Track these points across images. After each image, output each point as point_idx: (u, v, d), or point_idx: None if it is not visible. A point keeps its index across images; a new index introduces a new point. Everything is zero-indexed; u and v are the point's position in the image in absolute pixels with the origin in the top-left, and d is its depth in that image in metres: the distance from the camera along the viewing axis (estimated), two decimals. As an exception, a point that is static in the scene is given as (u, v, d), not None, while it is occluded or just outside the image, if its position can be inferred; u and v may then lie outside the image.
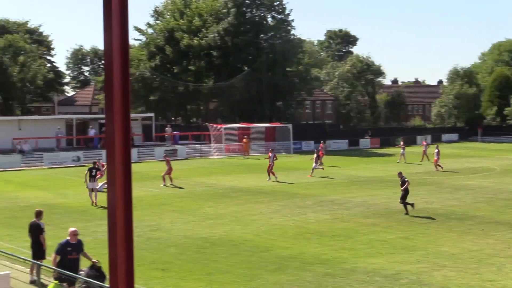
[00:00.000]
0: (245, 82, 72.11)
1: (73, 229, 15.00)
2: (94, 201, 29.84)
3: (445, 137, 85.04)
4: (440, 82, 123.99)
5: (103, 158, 39.49)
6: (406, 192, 27.77)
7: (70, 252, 14.49)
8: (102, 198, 30.11)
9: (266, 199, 31.72)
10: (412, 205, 27.43)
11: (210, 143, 63.41)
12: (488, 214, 27.07)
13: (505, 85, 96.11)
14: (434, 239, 21.95)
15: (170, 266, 18.34)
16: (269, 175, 40.29)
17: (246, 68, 75.22)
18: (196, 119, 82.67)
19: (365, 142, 75.02)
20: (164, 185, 37.12)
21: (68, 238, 14.71)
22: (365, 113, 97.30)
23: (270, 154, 41.30)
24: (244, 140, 61.52)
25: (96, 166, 31.60)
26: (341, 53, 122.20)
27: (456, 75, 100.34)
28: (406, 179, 28.26)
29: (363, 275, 17.22)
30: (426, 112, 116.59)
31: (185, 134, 66.46)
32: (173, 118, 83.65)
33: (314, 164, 42.93)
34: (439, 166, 45.70)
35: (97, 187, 31.14)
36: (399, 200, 27.82)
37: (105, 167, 33.53)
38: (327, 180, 40.21)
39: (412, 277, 17.03)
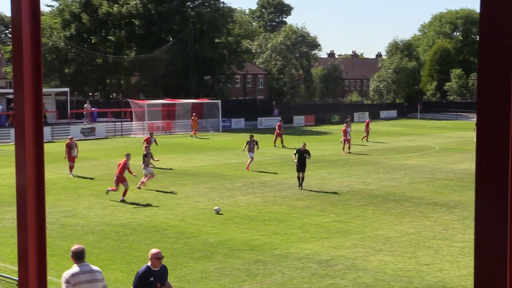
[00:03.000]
0: (170, 54, 71.59)
1: (155, 250, 11.59)
2: None
3: (383, 114, 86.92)
4: (378, 55, 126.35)
5: (12, 137, 38.40)
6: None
7: (153, 284, 11.28)
8: (10, 182, 29.53)
9: (192, 181, 31.80)
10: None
11: (131, 121, 62.85)
12: (426, 195, 27.97)
13: (446, 59, 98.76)
14: (370, 222, 22.55)
15: (87, 255, 18.11)
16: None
17: (171, 39, 74.65)
18: (116, 95, 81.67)
19: (299, 119, 75.85)
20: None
21: (149, 263, 11.37)
22: (299, 88, 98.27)
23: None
24: (193, 118, 60.77)
25: None
26: (274, 24, 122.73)
27: (396, 48, 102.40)
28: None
29: (295, 261, 17.57)
30: (364, 87, 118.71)
31: (104, 111, 65.58)
32: (90, 94, 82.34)
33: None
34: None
35: None
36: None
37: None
38: (258, 160, 40.57)
39: (347, 263, 17.49)
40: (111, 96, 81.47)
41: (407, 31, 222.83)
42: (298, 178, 29.82)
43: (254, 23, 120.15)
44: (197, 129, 59.56)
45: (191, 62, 71.58)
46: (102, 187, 30.02)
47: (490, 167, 2.25)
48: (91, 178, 32.93)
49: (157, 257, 11.34)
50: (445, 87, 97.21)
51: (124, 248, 18.95)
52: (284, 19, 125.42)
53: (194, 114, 61.97)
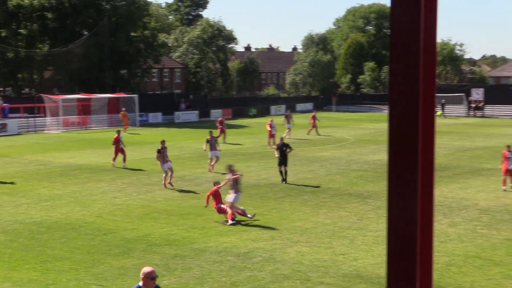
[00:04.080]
0: (84, 48, 70.27)
1: (148, 269, 10.15)
2: None
3: (299, 106, 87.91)
4: (294, 49, 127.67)
5: None
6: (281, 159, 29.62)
7: None
8: None
9: (109, 177, 31.33)
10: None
11: (45, 116, 61.36)
12: (341, 186, 28.46)
13: (360, 52, 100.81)
14: (287, 214, 22.76)
15: None
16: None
17: (86, 32, 73.26)
18: (29, 90, 79.53)
19: (216, 113, 75.84)
20: None
21: (140, 283, 10.06)
22: (216, 81, 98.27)
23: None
24: (122, 113, 59.39)
25: None
26: (190, 17, 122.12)
27: (311, 42, 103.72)
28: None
29: (214, 255, 17.57)
30: (280, 80, 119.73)
31: (16, 106, 63.70)
32: (1, 89, 79.94)
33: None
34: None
35: None
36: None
37: None
38: (177, 154, 40.32)
39: (265, 255, 17.60)
40: (23, 91, 79.28)
41: (322, 25, 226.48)
42: (281, 172, 29.69)
43: (170, 17, 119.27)
44: (125, 124, 58.19)
45: (107, 56, 70.44)
46: (14, 185, 29.20)
47: (401, 158, 2.28)
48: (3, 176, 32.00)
49: (151, 277, 9.98)
50: (359, 80, 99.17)
51: (39, 247, 18.48)
52: (201, 13, 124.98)
53: (124, 109, 60.73)
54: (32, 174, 32.68)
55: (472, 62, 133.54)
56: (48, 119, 60.64)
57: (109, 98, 66.23)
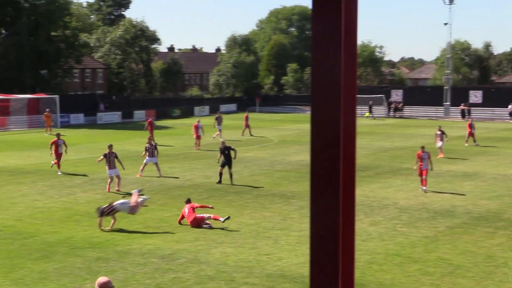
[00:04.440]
0: (2, 47, 68.43)
1: (104, 279, 9.53)
2: None
3: (223, 107, 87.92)
4: (218, 50, 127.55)
5: None
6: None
7: None
8: None
9: (29, 179, 30.59)
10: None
11: (-39, 117, 59.44)
12: (265, 187, 28.63)
13: (282, 54, 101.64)
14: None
15: None
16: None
17: (3, 31, 71.35)
18: None
19: (140, 114, 75.02)
20: None
21: None
22: (139, 82, 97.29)
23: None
24: (46, 113, 57.80)
25: None
26: (112, 17, 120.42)
27: (234, 43, 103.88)
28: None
29: (138, 257, 17.39)
30: (204, 81, 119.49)
31: None
32: None
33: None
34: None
35: None
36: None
37: None
38: (98, 156, 39.69)
39: (189, 256, 17.54)
40: None
41: (246, 27, 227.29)
42: (220, 174, 29.34)
43: (92, 16, 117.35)
44: (48, 125, 56.93)
45: (26, 55, 68.71)
46: None
47: (323, 158, 2.31)
48: None
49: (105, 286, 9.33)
50: (282, 81, 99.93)
51: (-45, 252, 17.88)
52: (123, 13, 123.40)
53: (48, 110, 59.37)
54: None
55: (391, 64, 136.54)
56: (-36, 120, 58.77)
57: (29, 99, 64.67)
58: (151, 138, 35.26)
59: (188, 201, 22.07)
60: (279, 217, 22.57)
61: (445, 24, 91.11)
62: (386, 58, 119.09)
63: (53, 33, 74.33)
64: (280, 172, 33.24)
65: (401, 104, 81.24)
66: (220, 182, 29.30)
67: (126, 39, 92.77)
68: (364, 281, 15.30)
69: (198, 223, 21.06)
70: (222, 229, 20.65)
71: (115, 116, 72.68)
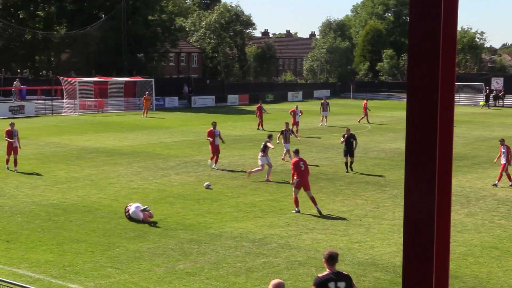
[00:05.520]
0: (102, 31, 70.42)
1: (276, 281, 9.19)
2: None
3: (317, 93, 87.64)
4: (312, 35, 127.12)
5: None
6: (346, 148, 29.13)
7: None
8: None
9: (125, 161, 31.48)
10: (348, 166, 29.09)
11: (62, 99, 61.66)
12: (358, 174, 28.41)
13: (378, 40, 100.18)
14: (303, 201, 22.70)
15: (16, 236, 17.89)
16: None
17: (103, 15, 73.43)
18: (46, 72, 79.86)
19: (233, 98, 75.79)
20: None
21: None
22: (233, 67, 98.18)
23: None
24: (145, 96, 59.36)
25: None
26: (208, 1, 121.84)
27: (329, 28, 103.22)
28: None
29: (229, 240, 17.63)
30: (298, 66, 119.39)
31: (33, 88, 64.05)
32: (19, 71, 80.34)
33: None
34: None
35: None
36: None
37: None
38: (192, 139, 40.43)
39: (280, 241, 17.64)
40: (40, 74, 79.65)
41: (340, 12, 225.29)
42: (346, 163, 29.18)
43: (188, 1, 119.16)
44: (146, 108, 58.30)
45: (124, 39, 70.54)
46: (31, 167, 29.43)
47: (419, 146, 2.29)
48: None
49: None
50: (377, 67, 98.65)
51: (55, 229, 18.65)
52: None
53: (147, 92, 60.99)
54: (48, 156, 32.91)
55: (492, 50, 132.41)
56: (65, 102, 60.93)
57: (126, 82, 66.41)
58: (288, 123, 33.56)
59: (297, 152, 22.37)
60: (372, 205, 22.37)
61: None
62: (487, 45, 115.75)
63: (150, 18, 75.90)
64: (374, 159, 32.89)
65: (502, 93, 78.67)
66: (347, 171, 28.97)
67: (221, 23, 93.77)
68: (459, 273, 14.99)
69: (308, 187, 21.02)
70: (314, 215, 20.66)
71: (209, 100, 73.66)
